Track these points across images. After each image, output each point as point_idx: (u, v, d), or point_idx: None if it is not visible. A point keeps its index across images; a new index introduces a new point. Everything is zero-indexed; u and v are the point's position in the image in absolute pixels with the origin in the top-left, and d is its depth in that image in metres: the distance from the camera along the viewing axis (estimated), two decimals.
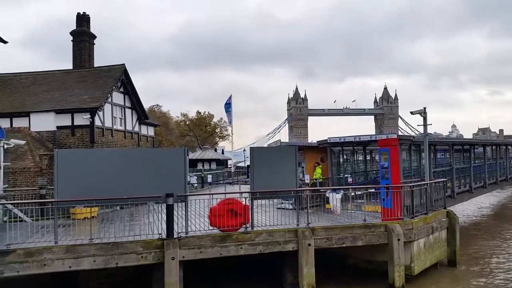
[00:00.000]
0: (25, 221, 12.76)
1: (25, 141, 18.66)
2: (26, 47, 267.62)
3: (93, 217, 13.20)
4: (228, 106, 25.68)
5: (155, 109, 70.62)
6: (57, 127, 21.42)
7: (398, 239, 12.54)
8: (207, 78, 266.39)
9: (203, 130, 74.06)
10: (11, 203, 13.56)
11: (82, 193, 10.76)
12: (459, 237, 15.44)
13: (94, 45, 26.54)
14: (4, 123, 18.77)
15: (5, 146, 14.89)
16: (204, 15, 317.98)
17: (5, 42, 29.84)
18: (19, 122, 21.32)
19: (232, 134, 30.19)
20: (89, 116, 21.09)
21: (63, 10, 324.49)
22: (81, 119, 21.14)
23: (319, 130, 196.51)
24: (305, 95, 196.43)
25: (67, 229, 12.54)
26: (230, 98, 29.70)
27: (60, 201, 10.93)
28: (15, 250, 9.82)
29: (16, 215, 13.15)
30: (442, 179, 17.00)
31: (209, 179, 31.20)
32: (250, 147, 13.88)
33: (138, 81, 24.91)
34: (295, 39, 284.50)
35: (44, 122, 21.27)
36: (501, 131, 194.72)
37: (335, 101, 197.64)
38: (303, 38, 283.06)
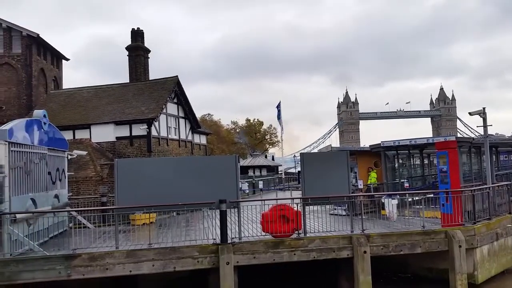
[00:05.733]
0: (88, 227, 13.47)
1: (87, 152, 19.72)
2: (75, 67, 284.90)
3: (151, 223, 13.69)
4: (278, 112, 25.77)
5: (207, 118, 72.12)
6: (116, 137, 22.47)
7: (460, 246, 11.96)
8: (247, 89, 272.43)
9: (253, 137, 74.69)
10: (75, 210, 14.37)
11: (141, 200, 11.23)
12: None
13: (149, 59, 27.68)
14: (67, 135, 19.92)
15: (69, 157, 15.79)
16: (238, 31, 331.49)
17: (67, 59, 31.94)
18: (81, 134, 22.62)
19: (282, 140, 30.25)
20: (146, 126, 21.98)
21: (106, 32, 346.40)
22: (139, 130, 22.07)
23: (371, 134, 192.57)
24: (356, 98, 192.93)
25: (127, 234, 13.08)
26: (279, 105, 29.75)
27: (120, 208, 11.45)
28: (80, 255, 10.37)
29: (80, 222, 13.92)
30: (506, 183, 16.03)
31: (260, 186, 31.39)
32: (301, 153, 13.86)
33: None
34: (327, 48, 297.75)
35: (104, 133, 22.41)
36: None
37: (387, 103, 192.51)
38: (335, 47, 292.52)
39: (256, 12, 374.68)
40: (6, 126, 11.03)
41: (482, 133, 15.51)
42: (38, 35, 25.93)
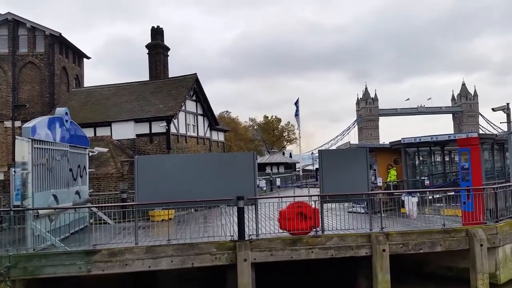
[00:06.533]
0: (108, 223, 13.68)
1: (107, 149, 20.02)
2: (96, 66, 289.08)
3: (170, 219, 13.83)
4: (297, 109, 25.71)
5: (225, 115, 72.38)
6: (136, 135, 22.77)
7: (481, 245, 11.73)
8: (265, 86, 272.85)
9: (271, 134, 74.59)
10: (96, 207, 14.62)
11: (160, 196, 11.35)
12: None
13: (168, 57, 27.88)
14: (89, 132, 20.22)
15: (90, 154, 16.06)
16: (256, 28, 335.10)
17: (88, 57, 32.44)
18: (102, 131, 22.99)
19: (300, 137, 30.14)
20: (165, 124, 22.21)
21: (125, 30, 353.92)
22: (158, 127, 22.32)
23: (390, 131, 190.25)
24: (375, 95, 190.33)
25: (147, 230, 13.25)
26: (297, 101, 29.58)
27: (140, 204, 11.61)
28: (100, 250, 10.54)
29: (100, 218, 14.15)
30: None
31: (278, 183, 31.32)
32: (319, 150, 13.79)
33: None
34: (345, 44, 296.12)
35: (124, 131, 22.74)
36: None
37: (407, 99, 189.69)
38: (353, 42, 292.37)
39: (273, 9, 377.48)
40: (30, 124, 11.29)
41: (506, 130, 15.17)
42: (60, 34, 26.41)
